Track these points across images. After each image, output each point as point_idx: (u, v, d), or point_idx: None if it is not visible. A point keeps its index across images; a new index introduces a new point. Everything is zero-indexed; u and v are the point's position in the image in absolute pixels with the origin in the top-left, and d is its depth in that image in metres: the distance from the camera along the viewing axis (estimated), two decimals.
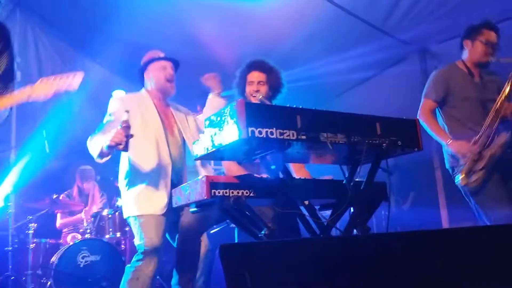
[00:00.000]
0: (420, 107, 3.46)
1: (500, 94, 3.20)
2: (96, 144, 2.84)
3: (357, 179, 2.29)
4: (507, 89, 3.18)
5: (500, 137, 3.11)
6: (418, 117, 3.41)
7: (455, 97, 3.39)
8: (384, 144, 2.14)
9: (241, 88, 3.22)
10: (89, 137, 2.95)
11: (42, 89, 2.19)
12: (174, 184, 2.90)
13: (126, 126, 2.72)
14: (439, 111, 3.48)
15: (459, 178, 3.17)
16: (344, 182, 2.25)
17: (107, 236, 4.67)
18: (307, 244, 1.61)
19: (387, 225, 2.35)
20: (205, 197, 2.06)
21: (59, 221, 5.29)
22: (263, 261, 1.36)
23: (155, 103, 3.18)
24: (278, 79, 3.21)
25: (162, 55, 3.29)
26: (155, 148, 2.97)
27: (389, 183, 2.38)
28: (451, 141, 3.26)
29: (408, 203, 5.92)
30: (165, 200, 2.90)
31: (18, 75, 5.28)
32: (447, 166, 3.42)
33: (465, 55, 3.45)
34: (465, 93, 3.37)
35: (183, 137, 3.17)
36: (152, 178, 2.92)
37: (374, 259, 1.61)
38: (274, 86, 3.19)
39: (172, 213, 2.95)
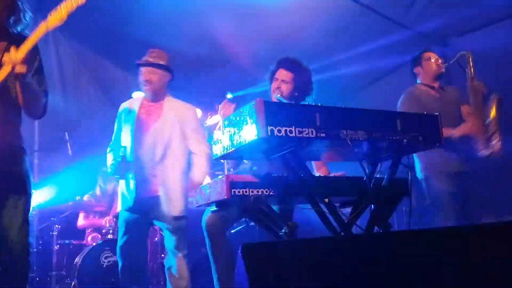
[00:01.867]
0: None
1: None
2: (108, 163, 3.41)
3: (377, 176, 2.27)
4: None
5: (492, 101, 3.38)
6: None
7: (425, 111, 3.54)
8: (405, 140, 2.11)
9: (269, 84, 3.23)
10: (108, 149, 3.54)
11: (55, 18, 2.17)
12: (138, 182, 3.19)
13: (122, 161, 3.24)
14: None
15: (482, 152, 3.37)
16: (364, 179, 2.23)
17: None
18: (329, 242, 1.60)
19: (409, 221, 2.31)
20: (225, 197, 2.07)
21: (81, 221, 5.35)
22: (286, 259, 1.35)
23: (143, 101, 3.44)
24: (305, 80, 3.16)
25: (147, 58, 3.46)
26: (128, 146, 3.30)
27: (411, 179, 2.35)
28: (456, 129, 3.41)
29: (429, 199, 5.81)
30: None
31: None
32: (422, 175, 3.59)
33: (421, 78, 3.77)
34: (431, 107, 3.48)
35: (169, 133, 3.34)
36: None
37: (396, 257, 1.59)
38: (301, 87, 3.14)
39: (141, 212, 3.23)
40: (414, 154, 3.55)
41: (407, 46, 5.20)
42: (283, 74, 3.14)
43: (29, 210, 2.30)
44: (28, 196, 2.29)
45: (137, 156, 3.26)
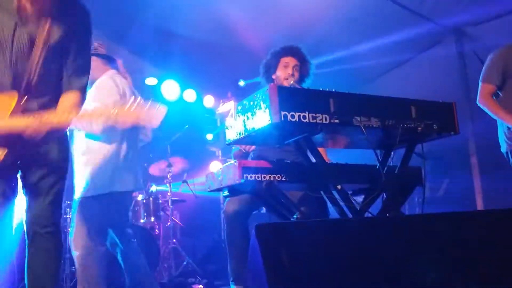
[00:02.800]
0: (478, 92, 3.31)
1: None
2: None
3: (390, 164, 2.26)
4: None
5: None
6: (478, 103, 3.31)
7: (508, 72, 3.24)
8: (419, 128, 2.10)
9: (271, 69, 3.14)
10: None
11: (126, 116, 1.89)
12: None
13: None
14: (497, 97, 3.32)
15: None
16: (377, 167, 2.22)
17: (141, 220, 4.77)
18: (341, 224, 1.60)
19: (422, 210, 2.30)
20: (238, 182, 2.08)
21: None
22: (298, 240, 1.37)
23: None
24: (308, 70, 3.17)
25: None
26: None
27: (424, 168, 2.33)
28: None
29: (442, 190, 5.79)
30: None
31: None
32: (505, 149, 3.33)
33: None
34: None
35: None
36: None
37: (408, 240, 1.59)
38: (302, 77, 3.15)
39: None
40: (499, 123, 3.34)
41: (422, 35, 5.14)
42: (294, 62, 3.10)
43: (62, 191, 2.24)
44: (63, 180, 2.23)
45: None
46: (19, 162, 2.09)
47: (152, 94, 6.01)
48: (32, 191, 2.12)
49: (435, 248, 1.61)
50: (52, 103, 2.07)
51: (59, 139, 2.18)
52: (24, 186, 2.15)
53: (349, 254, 1.46)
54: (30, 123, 1.88)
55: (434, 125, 2.15)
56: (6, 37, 1.95)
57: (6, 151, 1.95)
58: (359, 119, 1.98)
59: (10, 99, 1.94)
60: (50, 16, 1.99)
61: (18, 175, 2.15)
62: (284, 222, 1.71)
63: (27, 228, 2.13)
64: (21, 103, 1.95)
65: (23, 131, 1.89)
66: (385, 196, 2.26)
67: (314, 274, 1.33)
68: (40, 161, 2.10)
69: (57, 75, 2.12)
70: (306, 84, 3.18)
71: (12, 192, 2.14)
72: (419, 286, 1.49)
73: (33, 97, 2.00)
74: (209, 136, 6.57)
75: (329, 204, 2.89)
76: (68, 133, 2.36)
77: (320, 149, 3.05)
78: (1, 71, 1.98)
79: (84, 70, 2.18)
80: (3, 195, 2.09)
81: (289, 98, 1.91)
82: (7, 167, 2.02)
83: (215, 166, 6.13)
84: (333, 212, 2.94)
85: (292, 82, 2.99)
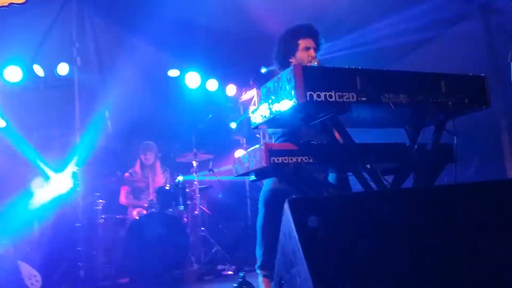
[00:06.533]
0: None
1: None
2: None
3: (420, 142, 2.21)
4: None
5: None
6: None
7: None
8: (450, 103, 2.03)
9: (289, 53, 3.04)
10: None
11: None
12: None
13: None
14: None
15: None
16: (407, 144, 2.17)
17: (170, 210, 4.81)
18: (373, 196, 1.57)
19: None
20: (265, 165, 2.06)
21: (122, 199, 5.44)
22: (332, 213, 1.35)
23: None
24: (320, 47, 3.08)
25: None
26: None
27: (456, 144, 2.27)
28: None
29: (473, 169, 5.65)
30: None
31: (78, 60, 5.51)
32: None
33: None
34: None
35: None
36: None
37: (442, 210, 1.55)
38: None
39: None
40: None
41: (447, 10, 4.99)
42: (313, 44, 3.03)
43: None
44: None
45: None
46: None
47: (175, 85, 6.05)
48: None
49: (470, 217, 1.56)
50: None
51: None
52: None
53: (384, 225, 1.43)
54: None
55: (466, 99, 2.08)
56: None
57: None
58: (387, 96, 1.93)
59: None
60: None
61: None
62: (317, 196, 1.69)
63: None
64: None
65: None
66: (416, 174, 2.21)
67: (350, 246, 1.31)
68: None
69: None
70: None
71: None
72: (453, 254, 1.46)
73: None
74: (233, 125, 6.56)
75: (353, 184, 2.85)
76: None
77: None
78: None
79: None
80: None
81: (314, 77, 1.88)
82: None
83: (239, 154, 6.12)
84: None
85: (316, 63, 2.94)
